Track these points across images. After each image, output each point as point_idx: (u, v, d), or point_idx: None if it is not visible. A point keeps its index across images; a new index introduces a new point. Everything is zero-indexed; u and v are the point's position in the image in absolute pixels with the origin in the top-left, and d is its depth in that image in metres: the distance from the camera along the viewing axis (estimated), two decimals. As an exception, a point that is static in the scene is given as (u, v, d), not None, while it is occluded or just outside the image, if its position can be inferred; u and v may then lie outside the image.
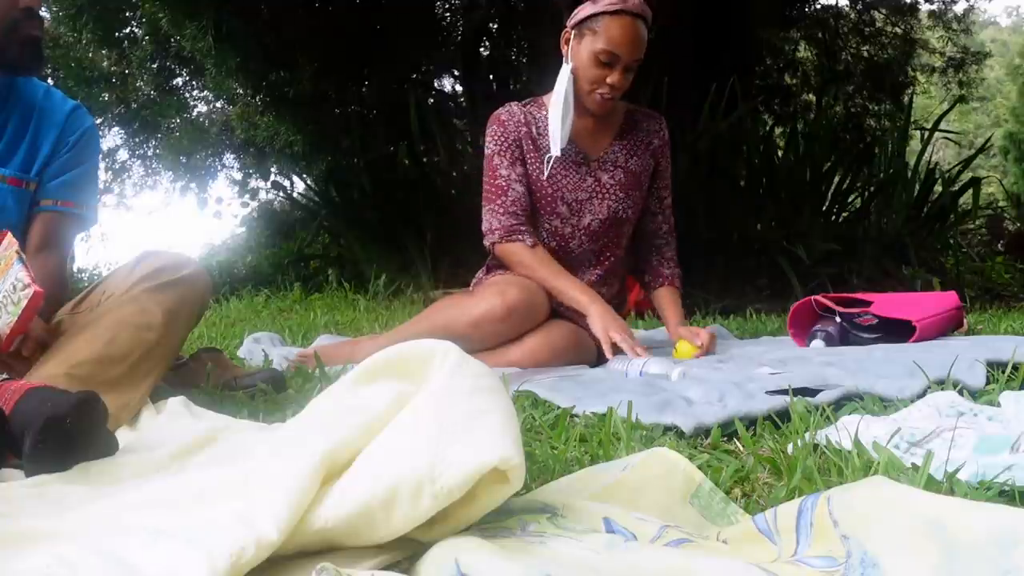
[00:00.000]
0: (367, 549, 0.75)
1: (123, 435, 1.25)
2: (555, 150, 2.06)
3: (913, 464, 0.95)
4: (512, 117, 2.15)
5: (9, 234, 1.36)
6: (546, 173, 2.11)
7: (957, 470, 0.90)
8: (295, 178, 7.52)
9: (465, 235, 4.43)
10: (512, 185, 2.10)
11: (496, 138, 2.13)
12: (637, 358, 1.87)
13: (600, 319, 1.99)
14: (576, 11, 2.05)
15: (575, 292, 2.04)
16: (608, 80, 2.00)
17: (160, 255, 1.49)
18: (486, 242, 2.14)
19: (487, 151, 2.15)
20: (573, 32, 2.05)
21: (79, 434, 1.05)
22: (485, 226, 2.13)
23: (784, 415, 1.30)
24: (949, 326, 2.29)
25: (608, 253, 2.20)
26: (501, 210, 2.10)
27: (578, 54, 2.03)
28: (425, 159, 5.79)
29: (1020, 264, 4.83)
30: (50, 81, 6.91)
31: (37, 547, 0.72)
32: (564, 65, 2.07)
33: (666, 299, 2.25)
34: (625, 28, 1.97)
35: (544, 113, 2.15)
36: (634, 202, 2.17)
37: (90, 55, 7.21)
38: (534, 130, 2.14)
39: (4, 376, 1.31)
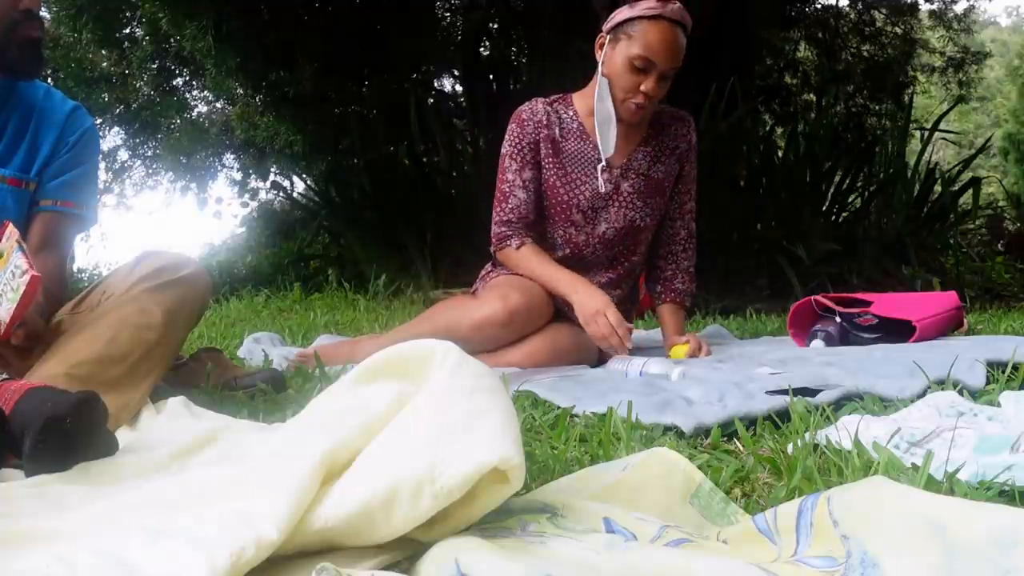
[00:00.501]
0: (367, 549, 0.75)
1: (123, 435, 1.25)
2: (604, 156, 2.03)
3: (913, 464, 0.95)
4: (533, 117, 2.09)
5: (11, 224, 1.36)
6: (602, 187, 2.06)
7: (957, 470, 0.90)
8: (295, 178, 7.53)
9: (465, 235, 4.44)
10: (514, 191, 2.08)
11: (512, 138, 2.10)
12: (637, 358, 1.87)
13: (581, 306, 1.94)
14: (612, 15, 2.00)
15: (559, 284, 2.01)
16: (642, 88, 1.94)
17: (160, 255, 1.49)
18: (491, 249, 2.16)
19: (503, 149, 2.12)
20: (608, 36, 2.00)
21: (79, 434, 1.05)
22: (491, 232, 2.15)
23: (784, 415, 1.30)
24: (949, 326, 2.30)
25: (623, 259, 2.16)
26: (497, 218, 2.11)
27: (612, 59, 1.97)
28: (425, 159, 5.79)
29: (1020, 264, 4.83)
30: (50, 81, 6.91)
31: (37, 547, 0.72)
32: (598, 72, 2.02)
33: (669, 315, 2.21)
34: (663, 34, 1.92)
35: (571, 113, 2.11)
36: (652, 210, 2.13)
37: (90, 55, 7.21)
38: (557, 131, 2.09)
39: (4, 376, 1.30)
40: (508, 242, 2.08)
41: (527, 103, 2.13)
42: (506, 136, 2.11)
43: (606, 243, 2.12)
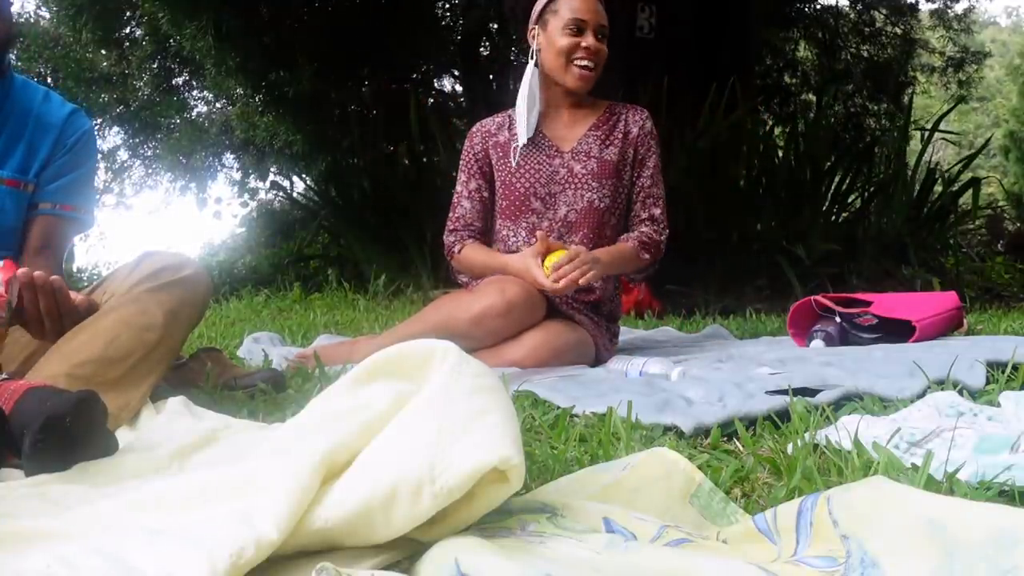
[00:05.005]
0: (367, 549, 0.75)
1: (123, 435, 1.25)
2: (521, 139, 2.15)
3: (913, 464, 0.95)
4: (480, 129, 2.25)
5: None
6: (514, 162, 2.16)
7: (957, 470, 0.90)
8: (295, 178, 7.53)
9: (465, 235, 4.43)
10: (461, 201, 2.23)
11: (463, 153, 2.26)
12: (637, 358, 1.87)
13: (518, 269, 1.99)
14: (534, 9, 2.17)
15: (505, 267, 2.06)
16: (583, 44, 2.07)
17: (161, 255, 1.49)
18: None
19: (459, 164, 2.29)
20: (537, 27, 2.15)
21: (79, 433, 1.05)
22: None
23: (784, 415, 1.30)
24: (949, 326, 2.30)
25: (590, 245, 2.14)
26: (446, 228, 2.24)
27: (547, 41, 2.11)
28: (425, 159, 5.79)
29: (1020, 264, 4.84)
30: (49, 81, 6.91)
31: (37, 547, 0.72)
32: (529, 63, 2.16)
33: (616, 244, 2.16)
34: None
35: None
36: (610, 191, 2.16)
37: (90, 55, 7.21)
38: (507, 134, 2.21)
39: (4, 376, 1.30)
40: (453, 249, 2.22)
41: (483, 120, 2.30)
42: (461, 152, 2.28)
43: (569, 226, 2.16)
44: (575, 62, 2.08)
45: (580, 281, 1.88)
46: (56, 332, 1.35)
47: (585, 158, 2.16)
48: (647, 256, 2.17)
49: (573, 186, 2.15)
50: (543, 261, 1.94)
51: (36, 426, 1.02)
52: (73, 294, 1.37)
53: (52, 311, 1.32)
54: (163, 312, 1.40)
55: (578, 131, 2.19)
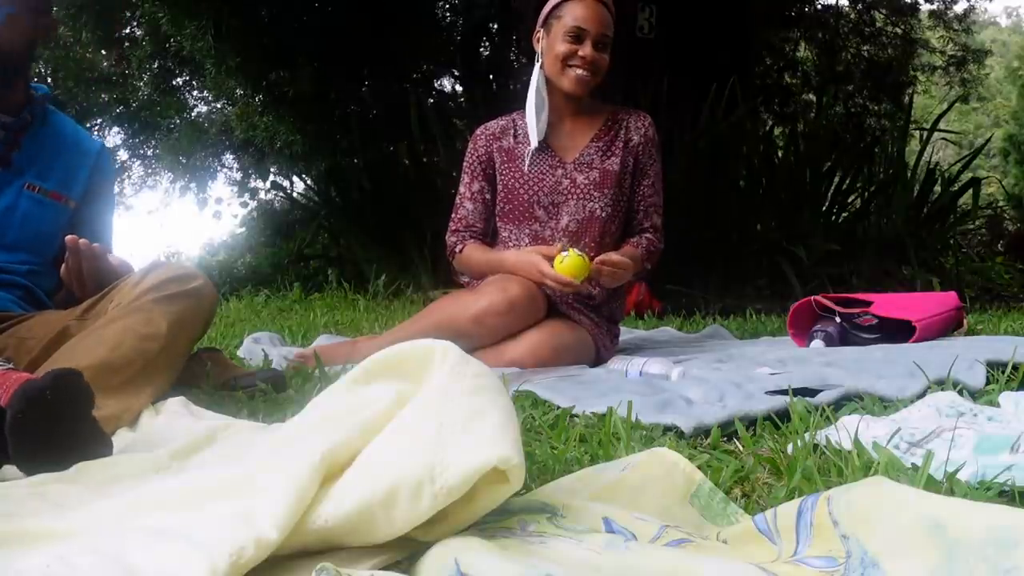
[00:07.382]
0: (367, 549, 0.75)
1: (123, 435, 1.25)
2: (533, 143, 2.14)
3: (913, 464, 0.95)
4: (485, 132, 2.25)
5: None
6: (527, 166, 2.16)
7: (957, 470, 0.90)
8: (295, 178, 7.53)
9: (465, 235, 4.43)
10: (463, 203, 2.24)
11: (467, 156, 2.26)
12: (637, 358, 1.87)
13: (516, 266, 2.03)
14: (542, 11, 2.18)
15: (500, 265, 2.09)
16: (580, 53, 2.07)
17: (168, 267, 1.51)
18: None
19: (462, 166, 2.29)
20: (542, 30, 2.16)
21: (61, 409, 1.04)
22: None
23: (784, 415, 1.30)
24: (949, 326, 2.30)
25: (591, 254, 2.13)
26: (449, 229, 2.25)
27: (549, 45, 2.12)
28: (425, 159, 5.79)
29: (1020, 264, 4.84)
30: (49, 81, 6.91)
31: (37, 547, 0.72)
32: (535, 65, 2.16)
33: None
34: (587, 5, 2.08)
35: (525, 120, 2.21)
36: (612, 201, 2.16)
37: (90, 55, 7.22)
38: (512, 139, 2.21)
39: (9, 365, 1.30)
40: (455, 250, 2.23)
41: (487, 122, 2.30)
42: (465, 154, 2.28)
43: (570, 235, 2.16)
44: (570, 67, 2.08)
45: (604, 284, 2.03)
46: (94, 290, 1.52)
47: (587, 169, 2.16)
48: (649, 265, 2.22)
49: (576, 196, 2.14)
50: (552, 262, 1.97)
51: (16, 400, 1.02)
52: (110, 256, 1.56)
53: (92, 271, 1.51)
54: (168, 322, 1.41)
55: (580, 141, 2.19)
